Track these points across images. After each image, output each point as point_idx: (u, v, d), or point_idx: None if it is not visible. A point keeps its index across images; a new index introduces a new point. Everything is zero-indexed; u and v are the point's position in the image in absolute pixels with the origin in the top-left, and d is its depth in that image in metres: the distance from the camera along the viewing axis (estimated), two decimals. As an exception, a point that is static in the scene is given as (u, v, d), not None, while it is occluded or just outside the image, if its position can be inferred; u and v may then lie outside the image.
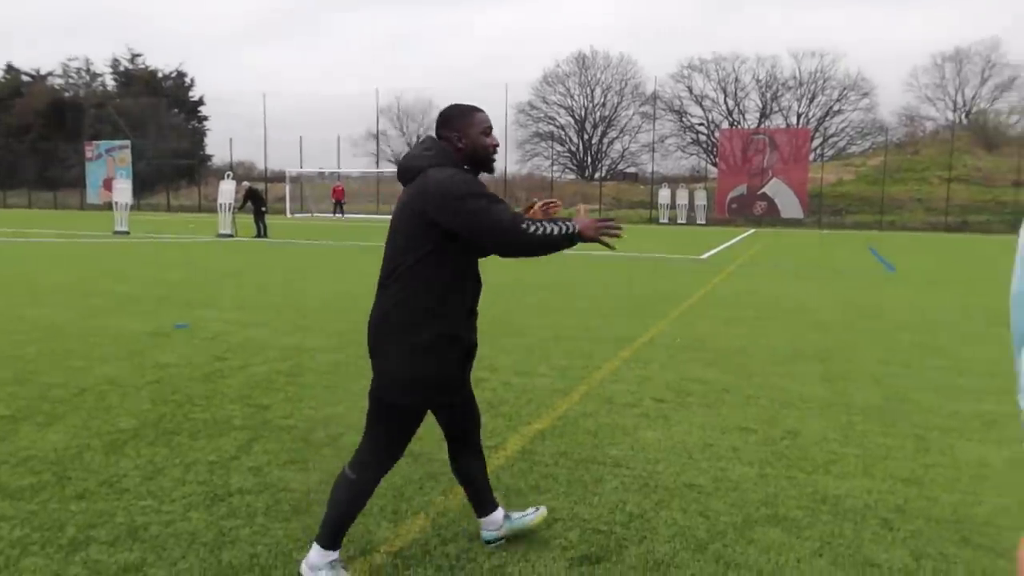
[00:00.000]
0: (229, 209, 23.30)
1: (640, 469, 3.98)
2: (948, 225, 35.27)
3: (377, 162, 49.96)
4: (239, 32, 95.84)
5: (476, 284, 2.86)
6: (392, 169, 55.09)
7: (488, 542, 3.13)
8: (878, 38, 77.42)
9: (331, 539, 2.81)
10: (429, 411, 2.92)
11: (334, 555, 2.81)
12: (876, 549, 3.13)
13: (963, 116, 54.40)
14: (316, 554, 2.81)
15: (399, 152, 62.69)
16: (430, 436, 4.44)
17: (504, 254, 2.74)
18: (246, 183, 25.45)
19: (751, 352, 6.95)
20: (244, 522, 3.31)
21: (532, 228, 2.62)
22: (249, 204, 23.06)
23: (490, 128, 2.87)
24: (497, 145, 2.90)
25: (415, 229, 2.69)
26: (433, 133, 2.89)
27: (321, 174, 45.10)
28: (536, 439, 4.44)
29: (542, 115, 61.30)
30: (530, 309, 9.05)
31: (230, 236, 22.67)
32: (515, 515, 3.18)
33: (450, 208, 2.62)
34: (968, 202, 37.36)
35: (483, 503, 3.15)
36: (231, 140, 71.17)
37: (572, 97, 61.21)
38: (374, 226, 32.44)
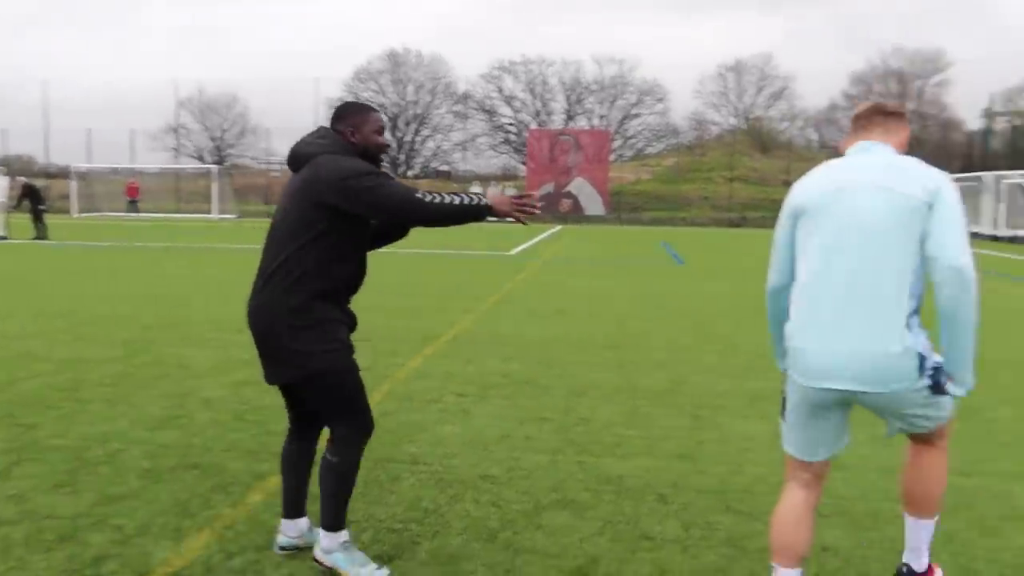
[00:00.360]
0: (3, 208, 20.85)
1: (437, 464, 4.03)
2: (731, 221, 38.70)
3: (177, 157, 46.71)
4: (20, 14, 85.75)
5: (363, 267, 2.94)
6: (194, 165, 51.88)
7: (282, 548, 3.04)
8: (671, 48, 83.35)
9: (336, 521, 2.90)
10: (281, 394, 3.07)
11: (344, 535, 2.91)
12: (651, 523, 3.38)
13: (743, 121, 59.86)
14: (327, 539, 2.90)
15: (202, 147, 59.12)
16: (217, 446, 4.25)
17: (407, 224, 2.92)
18: (22, 179, 22.89)
19: (551, 344, 7.25)
20: (-3, 556, 2.98)
21: (431, 198, 2.74)
22: (26, 202, 20.76)
23: (383, 128, 2.97)
24: (389, 145, 3.04)
25: (306, 214, 2.75)
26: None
27: (115, 171, 41.42)
28: (335, 442, 4.36)
29: (353, 111, 60.10)
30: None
31: (3, 239, 20.28)
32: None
33: (346, 188, 2.70)
34: (747, 200, 41.20)
35: (297, 503, 3.09)
36: (5, 132, 63.38)
37: (384, 94, 60.63)
38: (173, 225, 30.36)
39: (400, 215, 2.78)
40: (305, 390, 2.88)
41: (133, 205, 36.49)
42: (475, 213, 2.79)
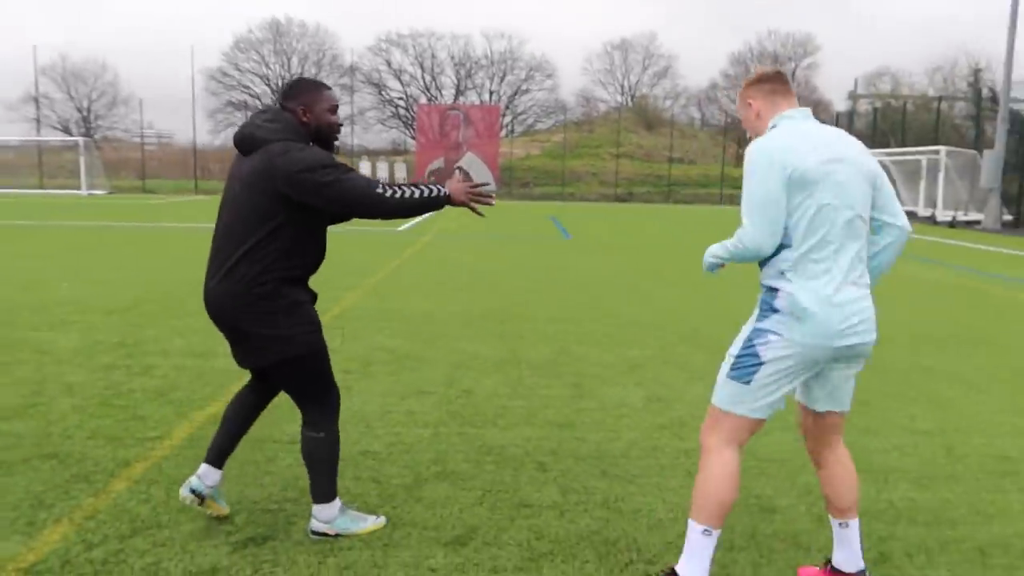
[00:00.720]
0: None
1: (317, 443, 3.94)
2: (617, 196, 39.62)
3: (38, 129, 43.30)
4: None
5: (324, 246, 2.92)
6: (59, 137, 48.27)
7: (193, 492, 3.01)
8: (558, 24, 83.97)
9: (332, 490, 2.95)
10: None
11: (337, 502, 2.96)
12: (530, 490, 3.43)
13: (629, 99, 61.20)
14: (326, 510, 2.94)
15: (67, 119, 55.19)
16: (79, 434, 4.01)
17: (366, 217, 2.80)
18: None
19: (436, 318, 7.23)
20: None
21: (391, 192, 2.73)
22: None
23: (336, 107, 2.94)
24: (342, 124, 3.01)
25: (262, 205, 2.70)
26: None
27: None
28: (208, 424, 4.19)
29: (235, 83, 57.64)
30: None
31: None
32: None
33: (303, 182, 2.65)
34: (633, 175, 42.28)
35: (225, 452, 3.10)
36: None
37: (267, 65, 58.31)
38: (36, 202, 28.26)
39: (359, 210, 2.77)
40: (282, 372, 2.85)
41: (-12, 180, 33.67)
42: (434, 205, 2.83)
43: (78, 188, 34.64)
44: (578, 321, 7.28)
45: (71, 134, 48.08)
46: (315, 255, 2.88)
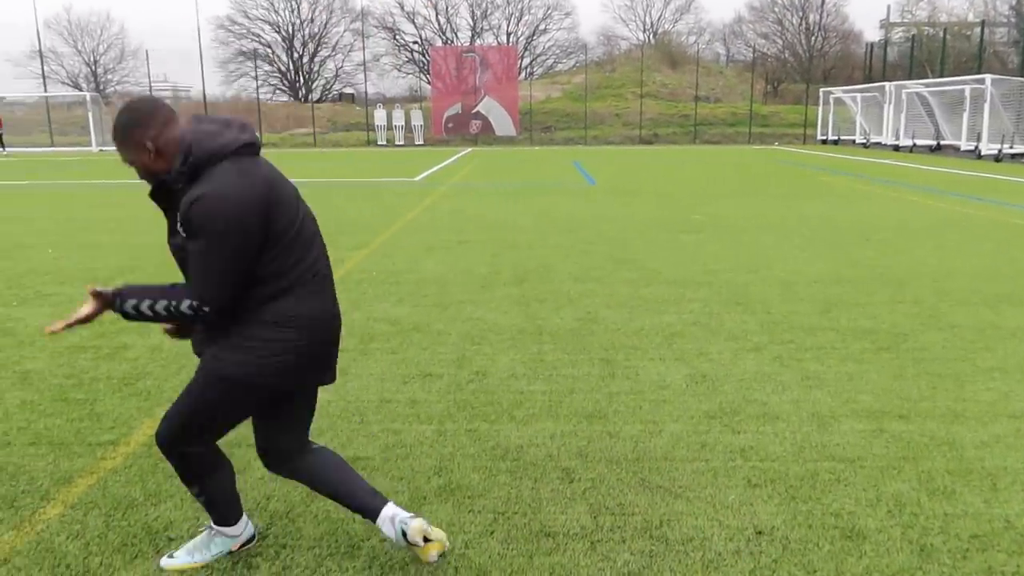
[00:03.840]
0: None
1: (298, 447, 3.29)
2: (642, 138, 38.30)
3: (44, 85, 42.55)
4: None
5: None
6: (66, 92, 47.61)
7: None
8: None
9: (374, 503, 2.38)
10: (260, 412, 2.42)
11: (387, 501, 2.40)
12: (554, 512, 2.77)
13: (651, 36, 59.03)
14: (390, 508, 2.36)
15: (75, 74, 54.47)
16: (21, 438, 3.40)
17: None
18: None
19: (448, 280, 6.53)
20: None
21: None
22: None
23: None
24: None
25: None
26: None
27: None
28: (174, 423, 3.56)
29: (245, 31, 56.33)
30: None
31: None
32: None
33: None
34: (658, 116, 40.80)
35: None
36: None
37: (277, 12, 56.81)
38: (44, 160, 27.76)
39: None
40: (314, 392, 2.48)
41: (-3, 139, 33.11)
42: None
43: (89, 145, 34.06)
44: (605, 281, 6.54)
45: (81, 90, 47.37)
46: None
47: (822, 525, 2.66)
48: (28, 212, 11.96)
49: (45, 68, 42.29)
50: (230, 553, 2.49)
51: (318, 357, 2.28)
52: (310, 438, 2.49)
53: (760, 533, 2.61)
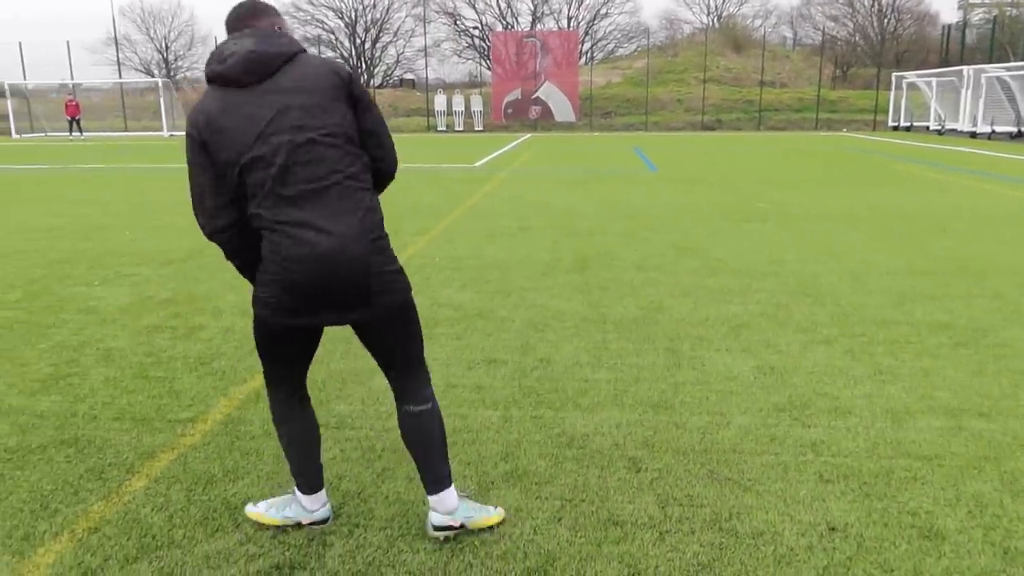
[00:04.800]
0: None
1: (368, 428, 3.37)
2: (705, 124, 37.63)
3: (119, 72, 44.00)
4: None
5: None
6: (139, 79, 49.10)
7: (321, 522, 2.60)
8: (639, -59, 79.44)
9: (448, 472, 2.53)
10: (291, 349, 2.43)
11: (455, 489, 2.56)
12: (622, 500, 2.76)
13: (715, 20, 57.83)
14: (445, 499, 2.49)
15: (148, 60, 56.06)
16: (106, 413, 3.55)
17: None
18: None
19: (510, 267, 6.55)
20: None
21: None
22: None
23: None
24: None
25: (347, 118, 2.23)
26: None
27: (65, 86, 38.81)
28: (248, 402, 3.68)
29: (309, 17, 57.13)
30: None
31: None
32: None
33: (363, 92, 2.28)
34: (721, 101, 39.99)
35: (317, 478, 2.61)
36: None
37: (340, -2, 57.46)
38: (119, 145, 28.75)
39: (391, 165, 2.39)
40: (401, 320, 2.36)
41: (75, 124, 34.40)
42: None
43: (160, 130, 35.14)
44: (669, 269, 6.47)
45: (153, 76, 48.85)
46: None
47: (898, 524, 2.60)
48: (105, 195, 12.42)
49: (120, 55, 43.71)
50: (299, 526, 2.56)
51: (308, 296, 2.19)
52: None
53: (833, 529, 2.57)
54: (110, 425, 3.45)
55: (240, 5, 2.29)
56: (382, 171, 2.35)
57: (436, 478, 2.49)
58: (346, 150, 2.20)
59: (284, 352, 2.40)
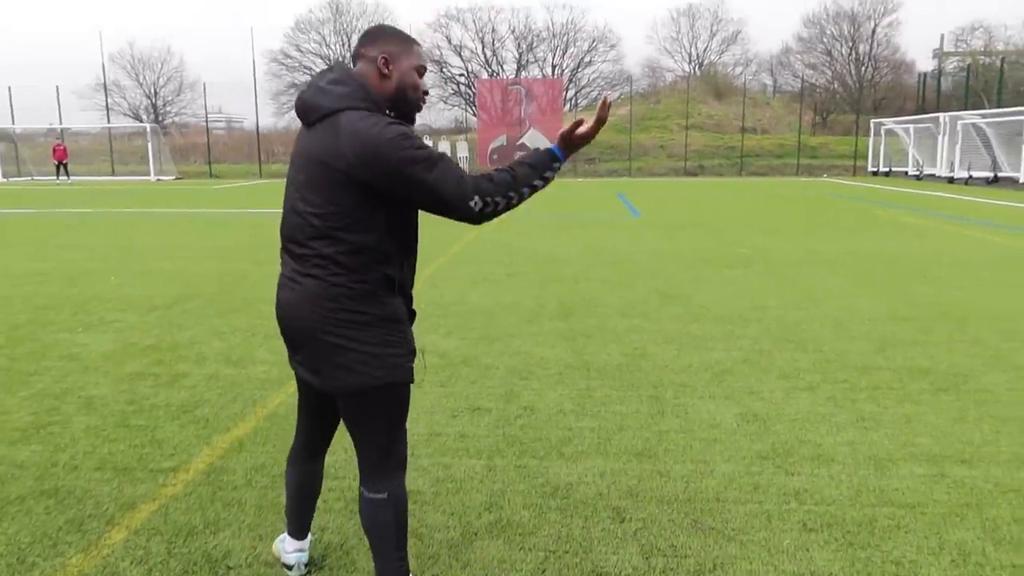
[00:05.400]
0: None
1: (351, 479, 3.34)
2: (687, 170, 38.17)
3: (108, 116, 44.23)
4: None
5: (415, 246, 2.32)
6: (128, 123, 49.34)
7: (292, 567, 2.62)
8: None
9: (395, 567, 2.33)
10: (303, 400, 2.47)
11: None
12: (606, 551, 2.76)
13: (697, 68, 59.04)
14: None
15: (136, 105, 56.44)
16: (87, 463, 3.50)
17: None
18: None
19: (495, 313, 6.58)
20: None
21: (482, 205, 2.10)
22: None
23: (425, 69, 2.27)
24: (427, 92, 2.31)
25: (345, 191, 2.05)
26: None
27: (53, 130, 38.91)
28: (231, 451, 3.65)
29: (297, 64, 57.82)
30: (262, 279, 8.07)
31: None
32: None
33: (388, 173, 2.01)
34: (703, 147, 40.65)
35: (304, 524, 2.67)
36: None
37: (328, 45, 58.24)
38: (106, 189, 28.78)
39: (463, 218, 2.13)
40: (360, 404, 2.19)
41: (62, 168, 34.43)
42: (551, 171, 2.30)
43: (147, 174, 35.21)
44: (652, 316, 6.52)
45: (141, 121, 49.11)
46: (413, 250, 2.30)
47: (882, 573, 2.60)
48: (91, 240, 12.40)
49: (108, 100, 43.99)
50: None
51: (287, 341, 2.28)
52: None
53: (817, 580, 2.57)
54: (91, 475, 3.41)
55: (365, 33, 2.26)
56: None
57: (382, 574, 2.32)
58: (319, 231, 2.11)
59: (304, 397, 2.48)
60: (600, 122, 2.22)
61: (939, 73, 41.71)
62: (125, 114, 54.16)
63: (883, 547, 2.77)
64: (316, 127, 2.11)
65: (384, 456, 2.24)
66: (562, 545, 2.80)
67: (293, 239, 2.18)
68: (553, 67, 57.86)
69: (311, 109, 2.12)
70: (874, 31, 51.93)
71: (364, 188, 2.04)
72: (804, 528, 2.91)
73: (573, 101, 55.09)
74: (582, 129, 2.25)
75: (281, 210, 2.27)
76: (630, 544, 2.81)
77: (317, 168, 2.07)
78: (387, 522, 2.26)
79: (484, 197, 2.10)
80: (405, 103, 2.20)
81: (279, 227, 2.26)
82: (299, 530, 2.59)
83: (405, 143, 2.01)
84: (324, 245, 2.09)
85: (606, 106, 2.18)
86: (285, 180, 2.26)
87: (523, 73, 55.52)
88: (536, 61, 58.52)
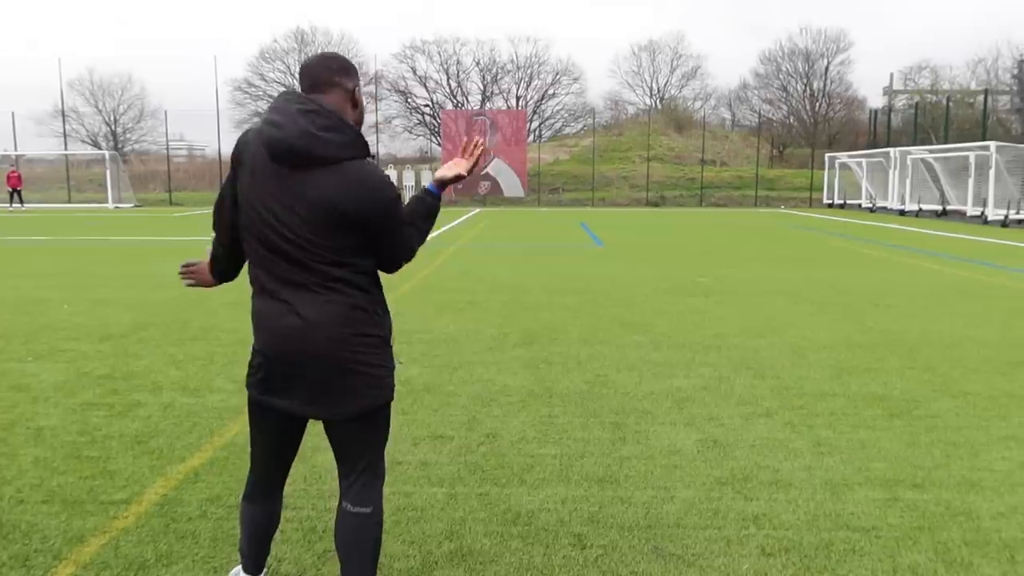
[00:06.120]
0: None
1: (310, 508, 3.29)
2: (649, 200, 38.73)
3: (65, 144, 43.49)
4: None
5: None
6: (85, 151, 48.56)
7: None
8: (584, 27, 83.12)
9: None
10: (276, 438, 2.42)
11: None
12: (566, 578, 2.75)
13: (658, 101, 60.20)
14: None
15: (95, 132, 55.63)
16: (35, 496, 3.40)
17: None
18: None
19: (458, 341, 6.57)
20: None
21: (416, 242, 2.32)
22: None
23: None
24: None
25: (346, 228, 2.11)
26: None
27: (7, 157, 38.14)
28: (185, 482, 3.57)
29: (261, 93, 57.69)
30: (220, 308, 7.95)
31: None
32: None
33: (382, 213, 2.15)
34: (664, 179, 41.32)
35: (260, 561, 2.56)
36: None
37: (292, 75, 58.22)
38: (62, 217, 28.21)
39: (404, 261, 2.33)
40: (362, 424, 2.25)
41: (16, 195, 33.70)
42: (434, 211, 2.36)
43: (105, 202, 34.63)
44: (614, 343, 6.57)
45: (100, 148, 48.38)
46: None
47: (838, 597, 2.63)
48: (45, 268, 12.12)
49: (67, 127, 43.33)
50: None
51: (277, 374, 2.19)
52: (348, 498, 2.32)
53: (775, 604, 2.58)
54: (38, 508, 3.31)
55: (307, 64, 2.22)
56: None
57: None
58: None
59: (264, 431, 2.42)
60: (472, 163, 2.42)
61: (889, 109, 43.09)
62: (83, 141, 53.36)
63: (839, 571, 2.80)
64: (311, 171, 2.07)
65: (373, 472, 2.31)
66: (523, 573, 2.78)
67: (297, 264, 2.12)
68: (517, 98, 58.55)
69: (301, 155, 2.05)
70: (827, 69, 53.54)
71: (366, 225, 2.13)
72: (763, 553, 2.94)
73: (537, 132, 55.73)
74: (454, 170, 2.38)
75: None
76: (591, 571, 2.80)
77: (321, 212, 2.07)
78: (368, 536, 2.29)
79: (416, 244, 2.30)
80: (360, 126, 2.31)
81: (252, 258, 2.22)
82: (255, 567, 2.52)
83: (393, 189, 2.17)
84: (335, 269, 2.13)
85: (472, 150, 2.42)
86: (249, 209, 2.19)
87: (488, 104, 56.05)
88: (501, 92, 59.19)
